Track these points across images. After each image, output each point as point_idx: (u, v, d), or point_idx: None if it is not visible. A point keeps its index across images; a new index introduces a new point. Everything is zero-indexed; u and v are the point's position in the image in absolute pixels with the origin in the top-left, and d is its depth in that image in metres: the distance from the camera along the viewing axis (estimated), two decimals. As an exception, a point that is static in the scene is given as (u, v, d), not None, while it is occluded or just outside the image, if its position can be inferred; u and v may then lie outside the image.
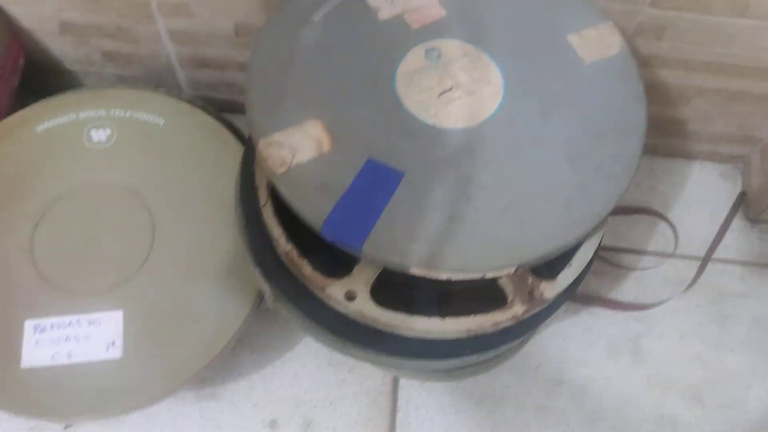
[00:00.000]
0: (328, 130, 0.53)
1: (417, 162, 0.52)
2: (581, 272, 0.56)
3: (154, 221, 0.70)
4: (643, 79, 0.58)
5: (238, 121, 0.79)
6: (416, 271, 0.49)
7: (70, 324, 0.65)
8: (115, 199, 0.71)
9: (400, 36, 0.58)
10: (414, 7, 0.59)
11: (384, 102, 0.55)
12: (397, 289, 0.55)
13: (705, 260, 0.81)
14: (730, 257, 0.83)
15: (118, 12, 0.74)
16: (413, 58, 0.57)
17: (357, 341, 0.57)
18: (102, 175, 0.73)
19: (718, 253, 0.82)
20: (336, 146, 0.52)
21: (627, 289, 0.81)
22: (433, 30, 0.59)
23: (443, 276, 0.49)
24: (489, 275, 0.50)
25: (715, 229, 0.83)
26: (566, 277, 0.55)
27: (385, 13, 0.59)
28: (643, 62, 0.73)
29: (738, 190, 0.87)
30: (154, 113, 0.75)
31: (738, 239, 0.84)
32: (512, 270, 0.50)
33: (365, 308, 0.53)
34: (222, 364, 0.73)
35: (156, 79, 0.84)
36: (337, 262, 0.55)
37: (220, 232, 0.70)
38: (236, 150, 0.73)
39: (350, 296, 0.53)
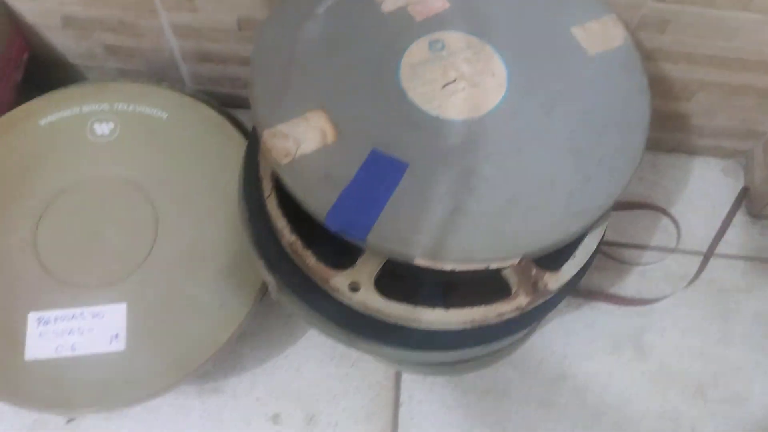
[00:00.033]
0: (332, 122, 0.53)
1: (421, 153, 0.52)
2: (585, 264, 0.56)
3: (157, 214, 0.70)
4: (646, 72, 0.58)
5: (240, 115, 0.79)
6: (420, 261, 0.49)
7: (73, 317, 0.65)
8: (119, 193, 0.71)
9: (404, 28, 0.58)
10: (417, -1, 0.60)
11: (388, 93, 0.55)
12: (401, 280, 0.55)
13: (707, 255, 0.81)
14: (732, 252, 0.83)
15: (121, 6, 0.74)
16: (417, 50, 0.57)
17: (361, 333, 0.57)
18: (105, 168, 0.73)
19: (721, 248, 0.82)
20: (340, 137, 0.52)
21: (629, 284, 0.81)
22: (437, 22, 0.59)
23: (447, 267, 0.49)
24: (493, 266, 0.50)
25: (718, 224, 0.83)
26: (570, 268, 0.55)
27: (388, 5, 0.59)
28: (646, 56, 0.73)
29: (740, 185, 0.86)
30: (157, 107, 0.75)
31: (740, 234, 0.84)
32: (516, 261, 0.50)
33: (369, 299, 0.53)
34: (225, 359, 0.73)
35: (159, 74, 0.84)
36: (341, 253, 0.55)
37: (223, 226, 0.70)
38: (239, 144, 0.73)
39: (354, 287, 0.53)
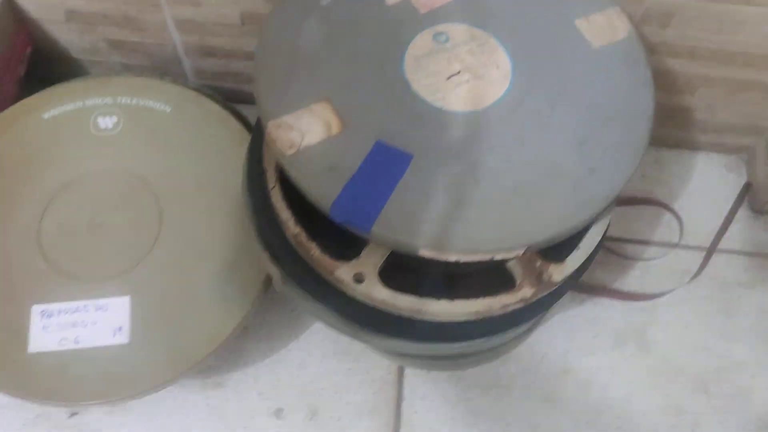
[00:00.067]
0: (336, 113, 0.53)
1: (425, 145, 0.52)
2: (589, 255, 0.56)
3: (160, 208, 0.70)
4: (650, 64, 0.58)
5: (243, 111, 0.79)
6: (425, 252, 0.49)
7: (77, 309, 0.65)
8: (122, 186, 0.71)
9: (408, 20, 0.58)
10: (422, -9, 0.60)
11: (392, 85, 0.55)
12: (405, 272, 0.55)
13: (710, 251, 0.81)
14: (735, 248, 0.83)
15: (125, 0, 0.74)
16: (421, 42, 0.57)
17: (365, 324, 0.57)
18: (109, 162, 0.73)
19: (723, 243, 0.82)
20: (345, 129, 0.52)
21: (632, 280, 0.81)
22: (441, 14, 0.59)
23: (452, 258, 0.49)
24: (498, 257, 0.50)
25: (720, 219, 0.83)
26: (574, 260, 0.55)
27: (392, -3, 0.59)
28: (650, 50, 0.73)
29: (743, 181, 0.86)
30: (160, 101, 0.75)
31: (743, 230, 0.84)
32: (521, 252, 0.50)
33: (374, 291, 0.53)
34: (228, 353, 0.73)
35: (162, 69, 0.84)
36: (345, 245, 0.55)
37: (227, 219, 0.70)
38: (243, 138, 0.73)
39: (359, 279, 0.53)
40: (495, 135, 0.53)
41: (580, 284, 0.74)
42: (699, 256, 0.81)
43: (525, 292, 0.54)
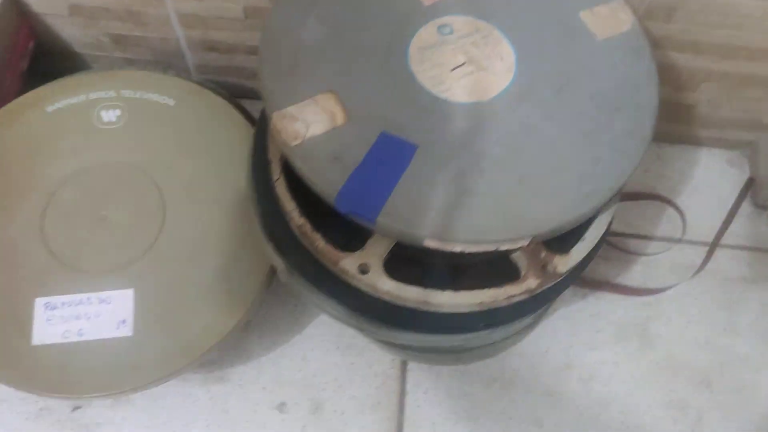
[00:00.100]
0: (341, 104, 0.53)
1: (430, 135, 0.52)
2: (594, 247, 0.56)
3: (164, 201, 0.70)
4: (654, 56, 0.58)
5: (246, 106, 0.79)
6: (430, 243, 0.49)
7: (80, 302, 0.65)
8: (126, 179, 0.71)
9: (412, 12, 0.58)
10: (426, -17, 0.60)
11: (397, 77, 0.55)
12: (410, 264, 0.55)
13: (713, 246, 0.81)
14: (737, 243, 0.83)
15: (128, -6, 0.75)
16: (426, 34, 0.57)
17: (369, 315, 0.57)
18: (112, 154, 0.73)
19: (726, 238, 0.82)
20: (349, 120, 0.52)
21: (635, 275, 0.81)
22: (445, 6, 0.59)
23: (457, 248, 0.49)
24: (503, 247, 0.50)
25: (723, 215, 0.83)
26: (579, 251, 0.55)
27: (397, -12, 0.59)
28: (653, 45, 0.72)
29: (745, 176, 0.87)
30: (164, 94, 0.75)
31: (745, 225, 0.84)
32: (526, 242, 0.50)
33: (378, 282, 0.53)
34: (231, 346, 0.73)
35: (164, 64, 0.84)
36: (349, 237, 0.55)
37: (230, 212, 0.70)
38: (246, 130, 0.73)
39: (363, 270, 0.53)
40: (499, 126, 0.53)
41: (583, 279, 0.75)
42: (702, 252, 0.81)
43: (530, 283, 0.54)
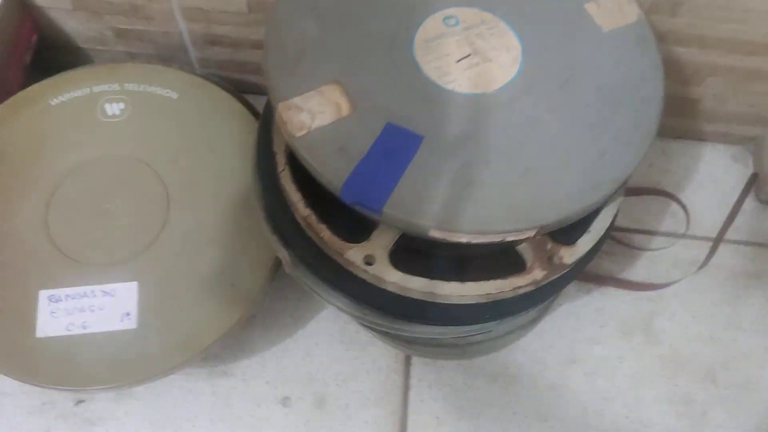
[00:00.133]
0: (346, 95, 0.53)
1: (436, 126, 0.52)
2: (600, 238, 0.56)
3: (168, 194, 0.70)
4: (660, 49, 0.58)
5: (250, 101, 0.79)
6: (436, 233, 0.49)
7: (84, 295, 0.65)
8: (129, 172, 0.71)
9: (418, 3, 0.58)
10: (431, -25, 0.59)
11: (402, 68, 0.55)
12: (416, 255, 0.55)
13: (717, 241, 0.81)
14: (741, 238, 0.83)
15: (132, -12, 0.75)
16: (431, 25, 0.57)
17: (375, 307, 0.57)
18: (116, 148, 0.72)
19: (730, 234, 0.82)
20: (355, 111, 0.52)
21: (639, 270, 0.81)
22: (451, -2, 0.59)
23: (463, 239, 0.49)
24: (509, 238, 0.50)
25: (727, 210, 0.83)
26: (586, 242, 0.55)
27: (402, -20, 0.59)
28: (659, 39, 0.72)
29: (749, 171, 0.86)
30: (168, 87, 0.75)
31: (749, 220, 0.84)
32: (532, 233, 0.50)
33: (384, 273, 0.53)
34: (234, 341, 0.73)
35: (168, 58, 0.84)
36: (354, 229, 0.54)
37: (234, 205, 0.70)
38: (250, 124, 0.73)
39: (369, 261, 0.53)
40: (505, 117, 0.53)
41: (587, 274, 0.75)
42: (706, 247, 0.81)
43: (536, 274, 0.53)
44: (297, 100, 0.52)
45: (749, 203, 0.85)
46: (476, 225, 0.49)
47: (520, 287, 0.53)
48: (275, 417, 0.71)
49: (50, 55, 0.84)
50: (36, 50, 0.82)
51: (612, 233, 0.63)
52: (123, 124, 0.73)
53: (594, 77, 0.56)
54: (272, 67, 0.54)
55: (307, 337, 0.75)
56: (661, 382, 0.75)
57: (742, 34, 0.72)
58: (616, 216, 0.58)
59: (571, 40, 0.57)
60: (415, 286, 0.53)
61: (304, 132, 0.51)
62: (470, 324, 0.58)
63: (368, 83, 0.54)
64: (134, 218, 0.69)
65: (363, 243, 0.54)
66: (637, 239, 0.82)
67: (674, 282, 0.78)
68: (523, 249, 0.55)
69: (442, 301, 0.54)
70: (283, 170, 0.56)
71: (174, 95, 0.75)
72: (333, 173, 0.50)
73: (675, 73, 0.77)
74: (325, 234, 0.54)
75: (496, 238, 0.50)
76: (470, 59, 0.56)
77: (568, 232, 0.54)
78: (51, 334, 0.64)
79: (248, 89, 0.84)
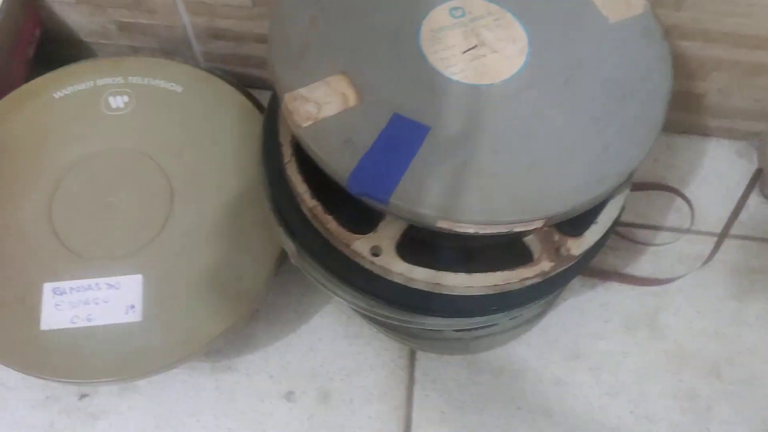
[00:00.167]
0: (353, 86, 0.53)
1: (442, 117, 0.52)
2: (608, 230, 0.56)
3: (172, 187, 0.70)
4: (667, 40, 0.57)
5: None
6: (443, 224, 0.49)
7: (89, 287, 0.65)
8: (133, 165, 0.71)
9: (424, -6, 0.58)
10: (437, -34, 0.59)
11: (409, 59, 0.54)
12: (422, 247, 0.55)
13: (721, 236, 0.81)
14: (746, 233, 0.83)
15: (136, -19, 0.74)
16: (437, 16, 0.57)
17: (382, 298, 0.57)
18: (120, 141, 0.72)
19: (735, 229, 0.82)
20: (361, 101, 0.52)
21: (644, 265, 0.80)
22: (457, -12, 0.58)
23: (470, 230, 0.49)
24: (516, 229, 0.50)
25: (731, 205, 0.83)
26: (593, 234, 0.55)
27: (408, -29, 0.59)
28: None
29: (753, 167, 0.86)
30: (172, 81, 0.75)
31: (754, 216, 0.84)
32: (540, 224, 0.50)
33: (391, 264, 0.53)
34: (238, 335, 0.73)
35: (171, 52, 0.84)
36: (361, 220, 0.54)
37: (238, 199, 0.69)
38: (254, 117, 0.73)
39: (376, 252, 0.53)
40: (511, 109, 0.53)
41: (591, 269, 0.74)
42: (710, 242, 0.81)
43: (544, 265, 0.53)
44: (303, 90, 0.52)
45: (754, 199, 0.85)
46: (484, 216, 0.49)
47: (527, 278, 0.53)
48: (279, 412, 0.71)
49: (53, 49, 0.83)
50: (39, 44, 0.81)
51: (617, 228, 0.63)
52: (127, 118, 0.73)
53: (601, 69, 0.55)
54: (278, 58, 0.54)
55: (310, 332, 0.75)
56: (666, 377, 0.75)
57: (746, 28, 0.71)
58: (623, 208, 0.58)
59: (578, 32, 0.57)
60: (422, 277, 0.53)
61: (310, 123, 0.51)
62: (477, 315, 0.58)
63: (374, 74, 0.54)
64: (138, 212, 0.69)
65: (370, 234, 0.53)
66: (642, 234, 0.82)
67: (679, 277, 0.78)
68: (531, 241, 0.54)
69: (449, 293, 0.54)
70: (289, 161, 0.56)
71: (178, 89, 0.75)
72: (339, 164, 0.50)
73: (679, 68, 0.77)
74: (331, 225, 0.54)
75: (503, 229, 0.50)
76: (476, 50, 0.56)
77: (575, 223, 0.54)
78: (55, 326, 0.64)
79: (252, 83, 0.84)
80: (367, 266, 0.54)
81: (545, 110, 0.53)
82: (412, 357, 0.74)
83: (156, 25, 0.80)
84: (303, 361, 0.74)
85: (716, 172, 0.86)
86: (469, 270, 0.54)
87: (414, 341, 0.71)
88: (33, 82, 0.75)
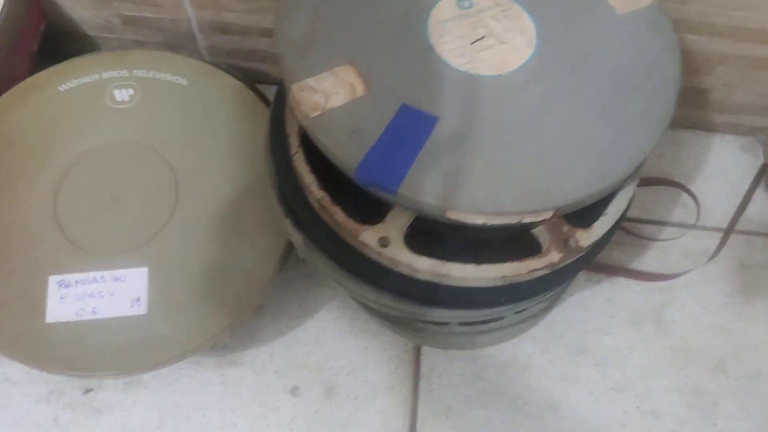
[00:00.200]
0: (361, 76, 0.53)
1: (450, 108, 0.52)
2: (617, 222, 0.55)
3: (177, 180, 0.70)
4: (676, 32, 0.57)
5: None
6: (451, 215, 0.49)
7: (94, 280, 0.65)
8: (139, 158, 0.71)
9: (431, -15, 0.58)
10: (445, -43, 0.59)
11: (416, 50, 0.54)
12: (430, 238, 0.54)
13: (727, 232, 0.80)
14: (752, 229, 0.83)
15: (141, -25, 0.74)
16: (445, 7, 0.57)
17: (390, 290, 0.56)
18: (125, 134, 0.72)
19: (740, 224, 0.82)
20: (369, 92, 0.52)
21: (650, 260, 0.80)
22: (465, -21, 0.58)
23: (479, 221, 0.49)
24: (526, 220, 0.50)
25: (737, 201, 0.83)
26: (602, 225, 0.55)
27: (415, -38, 0.59)
28: (670, 26, 0.72)
29: (759, 162, 0.86)
30: (177, 74, 0.75)
31: (760, 211, 0.84)
32: (549, 214, 0.50)
33: (399, 255, 0.52)
34: (244, 330, 0.73)
35: (176, 46, 0.84)
36: (369, 211, 0.54)
37: (244, 191, 0.69)
38: (259, 110, 0.73)
39: (384, 243, 0.53)
40: (519, 100, 0.53)
41: (597, 264, 0.74)
42: (716, 237, 0.81)
43: (553, 257, 0.53)
44: (311, 80, 0.52)
45: (759, 194, 0.84)
46: (493, 206, 0.49)
47: (536, 270, 0.53)
48: (284, 406, 0.71)
49: (58, 43, 0.83)
50: (43, 38, 0.81)
51: (623, 224, 0.63)
52: (132, 111, 0.73)
53: (609, 61, 0.55)
54: (285, 48, 0.54)
55: (316, 327, 0.75)
56: (672, 372, 0.74)
57: (752, 22, 0.71)
58: (632, 200, 0.57)
59: (586, 23, 0.57)
60: (430, 268, 0.53)
61: (318, 113, 0.51)
62: (486, 307, 0.58)
63: (382, 65, 0.53)
64: (143, 205, 0.69)
65: (378, 225, 0.53)
66: (648, 230, 0.82)
67: (685, 272, 0.78)
68: (539, 232, 0.54)
69: (458, 284, 0.54)
70: (297, 152, 0.56)
71: (184, 82, 0.75)
72: (347, 154, 0.49)
73: (685, 62, 0.76)
74: (339, 216, 0.53)
75: (512, 220, 0.49)
76: (484, 41, 0.55)
77: (584, 215, 0.54)
78: (61, 319, 0.64)
79: (257, 78, 0.84)
80: (375, 257, 0.53)
81: (553, 102, 0.53)
82: (417, 352, 0.74)
83: (161, 18, 0.80)
84: (308, 356, 0.73)
85: (721, 168, 0.86)
86: (477, 261, 0.54)
87: (420, 336, 0.71)
88: (38, 74, 0.75)
